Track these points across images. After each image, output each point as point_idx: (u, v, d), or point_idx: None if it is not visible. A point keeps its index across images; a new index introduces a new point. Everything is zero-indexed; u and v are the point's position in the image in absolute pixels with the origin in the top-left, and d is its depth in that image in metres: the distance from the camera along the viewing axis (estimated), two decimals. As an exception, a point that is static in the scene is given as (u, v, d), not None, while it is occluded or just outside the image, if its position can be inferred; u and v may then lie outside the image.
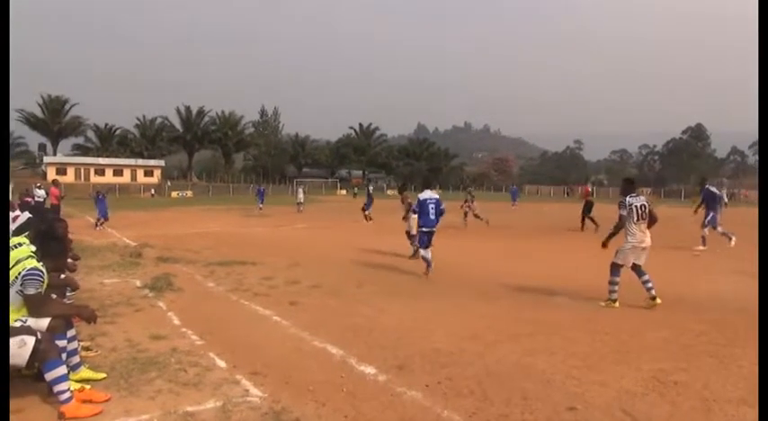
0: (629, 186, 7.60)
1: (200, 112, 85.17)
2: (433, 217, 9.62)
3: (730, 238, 13.80)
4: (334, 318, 6.45)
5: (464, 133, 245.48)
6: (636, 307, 7.15)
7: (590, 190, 23.77)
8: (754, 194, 63.11)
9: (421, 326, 6.11)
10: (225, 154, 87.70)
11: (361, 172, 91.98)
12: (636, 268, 7.29)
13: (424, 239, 9.67)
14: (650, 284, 7.18)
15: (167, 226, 20.51)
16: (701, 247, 13.46)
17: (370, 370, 4.67)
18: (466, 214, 20.42)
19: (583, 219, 19.05)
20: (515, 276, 9.54)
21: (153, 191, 60.84)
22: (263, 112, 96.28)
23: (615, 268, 7.27)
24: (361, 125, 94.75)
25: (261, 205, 30.19)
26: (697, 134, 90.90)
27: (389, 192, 65.85)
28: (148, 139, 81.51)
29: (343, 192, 70.59)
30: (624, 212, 7.27)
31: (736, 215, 20.34)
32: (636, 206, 7.24)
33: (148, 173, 73.24)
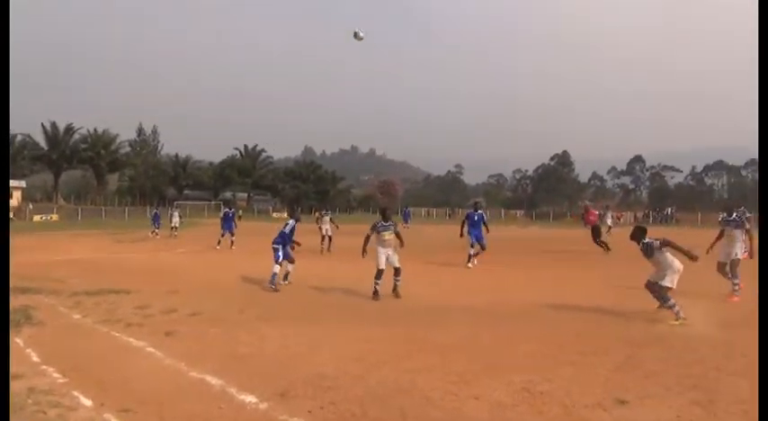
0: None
1: (69, 129, 78.89)
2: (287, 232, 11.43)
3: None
4: (213, 347, 6.23)
5: (351, 156, 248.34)
6: (510, 322, 7.61)
7: (598, 213, 22.58)
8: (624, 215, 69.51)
9: (305, 351, 6.07)
10: (97, 174, 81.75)
11: (246, 194, 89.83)
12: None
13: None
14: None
15: (28, 253, 18.69)
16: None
17: (250, 398, 4.57)
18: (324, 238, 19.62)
19: (599, 243, 18.95)
20: (392, 296, 9.78)
21: (12, 214, 55.33)
22: (140, 131, 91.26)
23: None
24: (246, 146, 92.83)
25: (156, 229, 28.11)
26: (563, 160, 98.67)
27: (275, 214, 64.90)
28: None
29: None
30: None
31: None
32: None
33: (6, 194, 66.64)
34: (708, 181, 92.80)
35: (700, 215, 66.64)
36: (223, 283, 11.56)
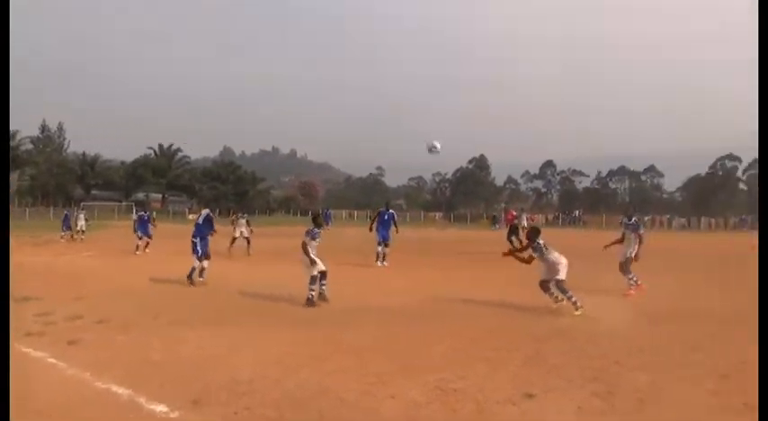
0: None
1: (-40, 124, 72.81)
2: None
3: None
4: (122, 355, 5.96)
5: (271, 157, 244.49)
6: (425, 322, 7.79)
7: (515, 214, 24.42)
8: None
9: (220, 356, 5.94)
10: (-8, 173, 75.89)
11: (160, 195, 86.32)
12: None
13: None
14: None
15: None
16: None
17: (161, 408, 4.42)
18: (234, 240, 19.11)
19: (511, 241, 19.54)
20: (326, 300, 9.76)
21: None
22: (44, 128, 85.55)
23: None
24: (161, 145, 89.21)
25: (65, 233, 26.43)
26: (480, 164, 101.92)
27: (191, 216, 62.68)
28: None
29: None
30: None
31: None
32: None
33: None
34: (612, 185, 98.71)
35: (605, 217, 70.81)
36: (135, 288, 11.07)
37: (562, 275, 8.53)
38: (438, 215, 79.77)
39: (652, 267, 15.45)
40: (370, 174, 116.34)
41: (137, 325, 7.46)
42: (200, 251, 11.60)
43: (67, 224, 27.20)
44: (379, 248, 15.28)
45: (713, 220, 63.26)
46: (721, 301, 10.01)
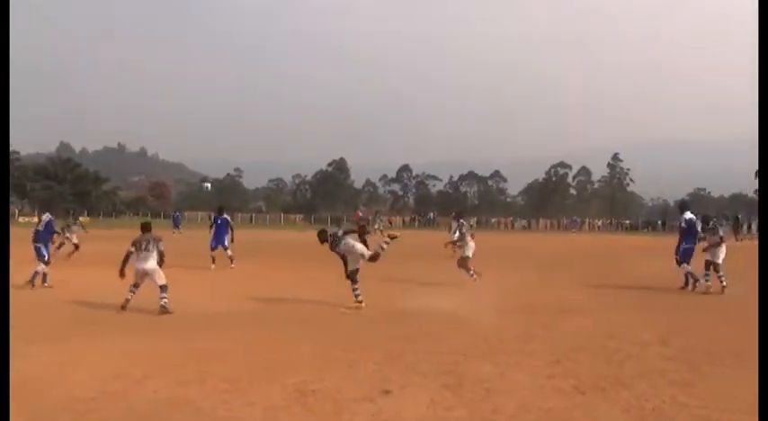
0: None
1: None
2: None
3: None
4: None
5: (117, 155, 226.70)
6: (283, 325, 7.75)
7: (360, 215, 25.35)
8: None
9: (56, 373, 5.42)
10: None
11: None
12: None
13: None
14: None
15: None
16: None
17: (-15, 434, 3.93)
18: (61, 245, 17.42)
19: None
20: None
21: None
22: None
23: None
24: (-18, 139, 79.01)
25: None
26: (340, 166, 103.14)
27: (23, 218, 56.19)
28: None
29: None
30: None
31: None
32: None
33: None
34: (462, 189, 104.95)
35: (456, 219, 75.10)
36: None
37: (358, 265, 9.39)
38: (299, 217, 79.27)
39: (496, 264, 16.72)
40: (228, 174, 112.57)
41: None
42: (46, 255, 11.45)
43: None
44: (212, 253, 15.26)
45: (549, 222, 70.06)
46: (554, 294, 11.09)
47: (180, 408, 4.46)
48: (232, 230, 15.53)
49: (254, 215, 78.86)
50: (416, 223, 73.14)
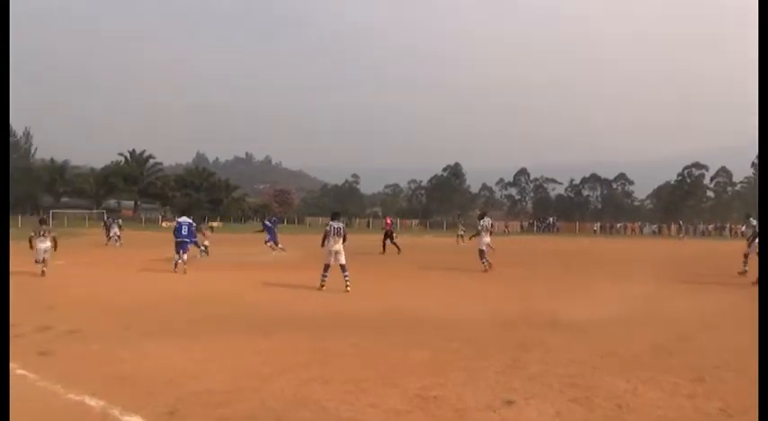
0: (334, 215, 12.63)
1: None
2: (184, 232, 15.84)
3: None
4: (94, 366, 5.81)
5: (245, 164, 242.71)
6: (403, 330, 7.77)
7: (391, 222, 28.05)
8: (498, 225, 73.39)
9: (194, 367, 5.82)
10: (-44, 180, 73.79)
11: (132, 202, 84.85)
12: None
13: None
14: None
15: None
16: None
17: (135, 420, 4.31)
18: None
19: (384, 244, 23.55)
20: (284, 306, 9.72)
21: None
22: (11, 133, 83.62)
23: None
24: (132, 152, 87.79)
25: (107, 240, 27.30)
26: (455, 171, 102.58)
27: (165, 224, 61.80)
28: None
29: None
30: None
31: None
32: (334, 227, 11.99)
33: None
34: (584, 192, 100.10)
35: (578, 224, 71.80)
36: (107, 298, 10.83)
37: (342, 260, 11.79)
38: (414, 222, 79.92)
39: (624, 271, 15.71)
40: (346, 181, 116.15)
41: (109, 335, 7.29)
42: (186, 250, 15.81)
43: (111, 230, 28.69)
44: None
45: (683, 227, 64.64)
46: (689, 304, 10.20)
47: (306, 407, 4.61)
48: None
49: (370, 220, 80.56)
50: (535, 228, 70.92)
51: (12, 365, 5.78)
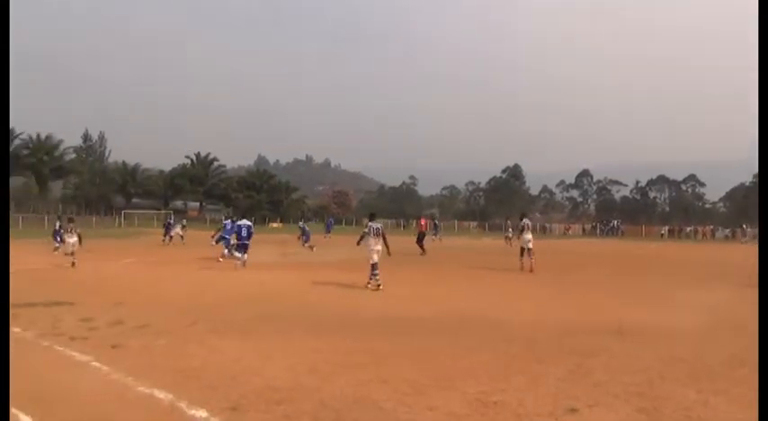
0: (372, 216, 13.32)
1: (9, 134, 76.01)
2: (244, 234, 16.90)
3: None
4: (162, 361, 6.05)
5: (305, 166, 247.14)
6: (461, 332, 7.70)
7: (425, 222, 28.07)
8: (558, 227, 71.47)
9: (257, 364, 5.97)
10: (39, 181, 78.61)
11: (198, 203, 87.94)
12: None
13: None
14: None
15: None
16: None
17: (201, 413, 4.45)
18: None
19: (422, 245, 24.25)
20: (345, 307, 9.80)
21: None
22: (86, 137, 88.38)
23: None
24: (198, 154, 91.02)
25: (57, 244, 24.47)
26: (514, 173, 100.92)
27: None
28: (-60, 162, 70.21)
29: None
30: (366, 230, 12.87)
31: (551, 245, 22.76)
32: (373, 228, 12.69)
33: (-62, 202, 62.95)
34: (651, 194, 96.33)
35: (643, 227, 69.11)
36: (174, 295, 11.27)
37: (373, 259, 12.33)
38: (473, 224, 79.12)
39: (694, 278, 15.01)
40: (403, 182, 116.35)
41: (175, 331, 7.57)
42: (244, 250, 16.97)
43: (57, 235, 25.38)
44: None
45: (745, 230, 60.88)
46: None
47: (364, 407, 4.63)
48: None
49: (429, 222, 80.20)
50: (597, 231, 68.82)
51: (87, 358, 6.12)
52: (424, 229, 26.33)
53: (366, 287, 12.25)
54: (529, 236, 17.17)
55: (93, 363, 5.90)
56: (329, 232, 40.45)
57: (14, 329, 7.66)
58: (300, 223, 31.53)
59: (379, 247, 12.54)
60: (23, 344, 6.82)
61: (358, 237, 13.47)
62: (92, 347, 6.58)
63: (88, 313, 8.69)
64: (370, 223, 12.86)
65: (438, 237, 37.22)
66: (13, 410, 4.42)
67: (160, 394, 4.89)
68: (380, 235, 12.65)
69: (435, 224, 41.70)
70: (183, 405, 4.63)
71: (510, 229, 34.31)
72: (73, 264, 16.53)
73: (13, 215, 64.10)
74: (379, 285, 12.14)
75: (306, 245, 26.61)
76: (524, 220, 17.76)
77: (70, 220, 18.94)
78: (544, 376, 5.57)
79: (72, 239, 17.17)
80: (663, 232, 65.10)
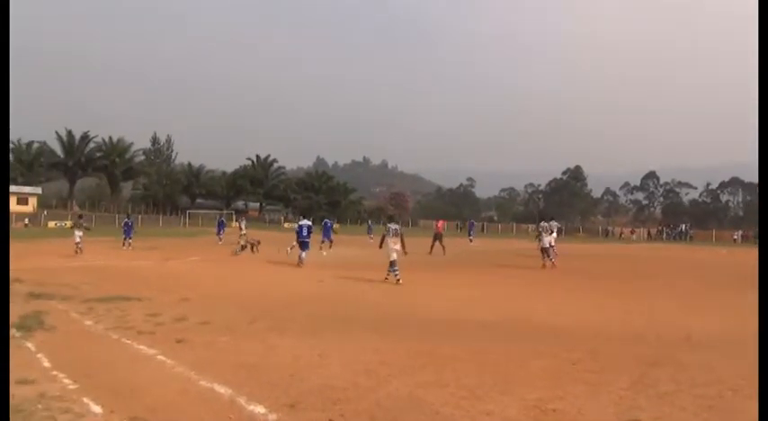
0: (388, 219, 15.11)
1: (85, 137, 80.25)
2: (305, 233, 17.64)
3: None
4: (223, 356, 6.22)
5: (362, 168, 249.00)
6: (521, 337, 7.55)
7: (441, 224, 29.07)
8: (624, 231, 68.95)
9: (314, 362, 6.04)
10: (111, 182, 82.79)
11: (258, 204, 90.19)
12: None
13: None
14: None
15: (42, 259, 18.90)
16: None
17: (260, 409, 4.54)
18: (245, 247, 23.28)
19: (434, 246, 25.24)
20: (403, 307, 9.78)
21: (27, 220, 55.88)
22: (154, 140, 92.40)
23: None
24: (258, 156, 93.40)
25: (129, 240, 26.30)
26: (576, 175, 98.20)
27: (287, 224, 65.08)
28: (25, 165, 74.98)
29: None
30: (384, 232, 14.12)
31: (613, 249, 22.02)
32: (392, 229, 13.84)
33: (22, 201, 67.10)
34: (723, 198, 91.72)
35: (714, 232, 65.79)
36: (235, 293, 11.58)
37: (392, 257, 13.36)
38: (531, 227, 77.60)
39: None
40: (461, 184, 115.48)
41: (236, 328, 7.77)
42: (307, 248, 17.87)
43: (129, 232, 26.81)
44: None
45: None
46: None
47: (421, 409, 4.60)
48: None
49: (485, 224, 79.36)
50: (664, 235, 66.07)
51: (153, 351, 6.37)
52: (440, 231, 26.84)
53: (385, 280, 13.47)
54: (549, 238, 18.70)
55: (159, 357, 6.14)
56: (370, 234, 38.46)
57: (86, 322, 8.09)
58: (326, 221, 28.06)
59: (398, 247, 13.61)
60: (95, 337, 7.18)
61: (379, 240, 14.68)
62: (158, 342, 6.84)
63: (154, 308, 9.06)
64: (389, 225, 14.19)
65: (471, 238, 36.20)
66: (84, 400, 4.65)
67: (221, 388, 5.03)
68: (398, 235, 13.70)
69: (471, 224, 40.70)
70: (242, 400, 4.74)
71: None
72: (76, 252, 21.24)
73: (85, 214, 67.54)
74: (398, 280, 13.12)
75: (323, 242, 25.33)
76: (550, 223, 19.64)
77: (80, 217, 25.22)
78: (606, 385, 5.38)
79: (79, 233, 22.15)
80: (735, 237, 61.70)
